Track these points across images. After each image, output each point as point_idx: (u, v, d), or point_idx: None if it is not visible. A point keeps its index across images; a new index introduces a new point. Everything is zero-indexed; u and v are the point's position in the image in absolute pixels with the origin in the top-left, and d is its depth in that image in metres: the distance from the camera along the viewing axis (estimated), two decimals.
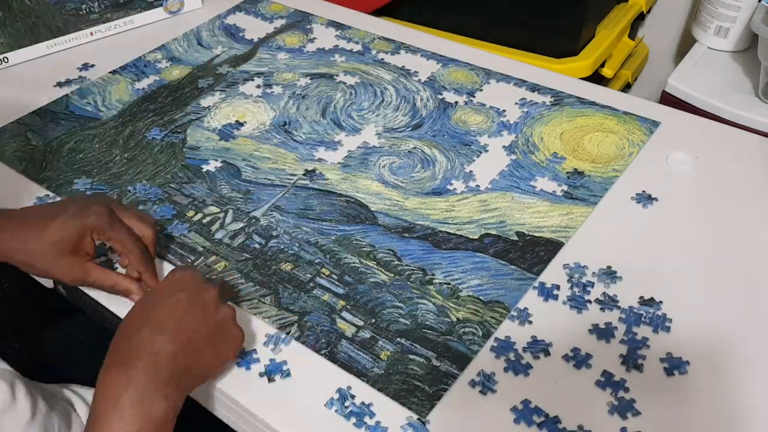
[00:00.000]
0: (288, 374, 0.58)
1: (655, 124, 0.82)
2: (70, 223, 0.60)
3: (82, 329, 0.84)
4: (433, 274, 0.66)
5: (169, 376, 0.51)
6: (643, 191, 0.73)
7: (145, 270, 0.63)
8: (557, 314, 0.62)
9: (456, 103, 0.88)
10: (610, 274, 0.65)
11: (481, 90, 0.90)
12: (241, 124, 0.86)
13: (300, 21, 1.08)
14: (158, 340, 0.51)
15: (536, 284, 0.64)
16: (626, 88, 1.49)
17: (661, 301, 0.62)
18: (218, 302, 0.56)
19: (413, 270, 0.67)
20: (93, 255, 0.62)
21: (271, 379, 0.57)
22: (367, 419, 0.54)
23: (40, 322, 0.85)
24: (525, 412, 0.54)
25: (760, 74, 1.11)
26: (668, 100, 1.19)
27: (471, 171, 0.78)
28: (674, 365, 0.57)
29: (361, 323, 0.62)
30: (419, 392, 0.56)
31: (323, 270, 0.67)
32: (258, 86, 0.93)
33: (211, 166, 0.80)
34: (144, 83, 0.95)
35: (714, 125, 0.84)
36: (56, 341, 0.84)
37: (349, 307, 0.63)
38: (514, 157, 0.79)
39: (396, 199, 0.75)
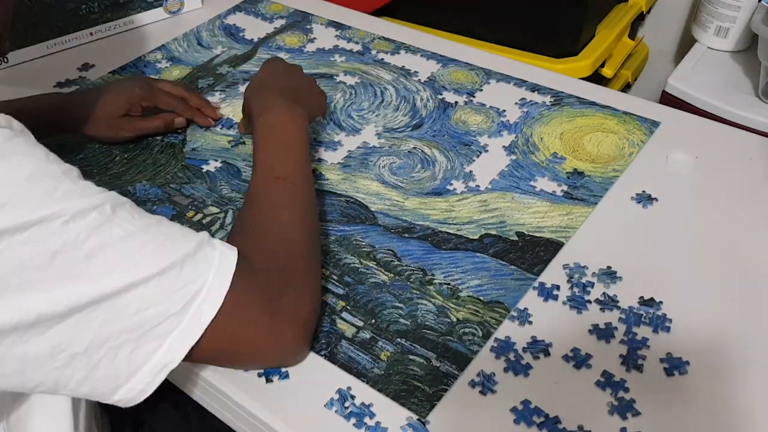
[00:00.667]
0: (286, 376, 0.58)
1: (655, 124, 0.82)
2: (122, 94, 0.81)
3: None
4: (433, 275, 0.66)
5: (294, 98, 0.71)
6: (643, 191, 0.73)
7: (200, 104, 0.86)
8: (557, 314, 0.62)
9: (456, 103, 0.88)
10: (610, 274, 0.65)
11: (481, 90, 0.90)
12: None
13: (300, 21, 1.08)
14: (277, 85, 0.73)
15: (536, 284, 0.64)
16: (626, 88, 1.49)
17: (661, 301, 0.62)
18: (302, 73, 0.79)
19: (413, 270, 0.67)
20: (140, 114, 0.83)
21: (269, 380, 0.57)
22: (367, 420, 0.54)
23: None
24: (525, 412, 0.54)
25: (760, 74, 1.11)
26: (668, 100, 1.19)
27: (471, 171, 0.78)
28: (674, 365, 0.57)
29: (361, 324, 0.62)
30: (419, 393, 0.56)
31: (323, 270, 0.67)
32: None
33: (211, 166, 0.80)
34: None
35: (714, 125, 0.84)
36: None
37: (348, 307, 0.63)
38: (514, 157, 0.79)
39: (396, 200, 0.75)
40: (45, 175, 0.46)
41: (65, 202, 0.45)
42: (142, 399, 0.50)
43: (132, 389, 0.49)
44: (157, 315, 0.48)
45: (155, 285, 0.48)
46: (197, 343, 0.50)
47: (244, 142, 0.83)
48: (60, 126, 0.81)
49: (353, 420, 0.54)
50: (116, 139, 0.82)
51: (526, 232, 0.70)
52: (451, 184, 0.76)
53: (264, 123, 0.68)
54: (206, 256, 0.51)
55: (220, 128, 0.86)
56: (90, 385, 0.48)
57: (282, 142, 0.67)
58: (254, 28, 1.07)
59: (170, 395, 0.73)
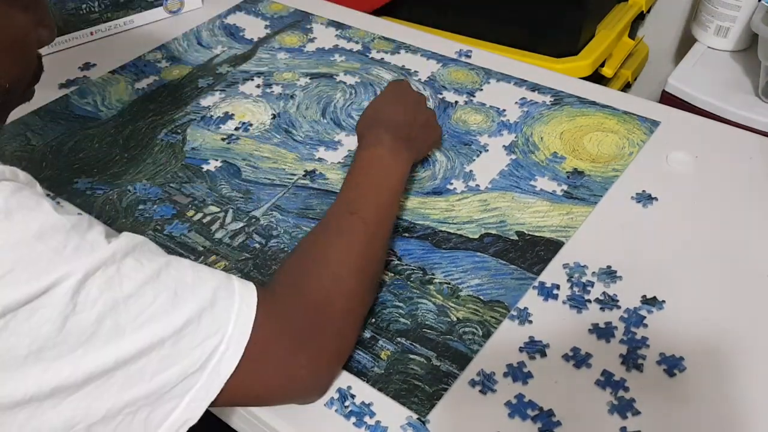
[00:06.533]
0: None
1: (655, 123, 0.82)
2: None
3: None
4: (433, 274, 0.66)
5: (406, 136, 0.68)
6: (643, 191, 0.73)
7: None
8: (557, 314, 0.62)
9: (456, 102, 0.88)
10: (610, 274, 0.65)
11: (481, 90, 0.90)
12: (241, 124, 0.86)
13: (300, 21, 1.08)
14: (392, 118, 0.69)
15: (536, 284, 0.64)
16: (626, 87, 1.49)
17: (662, 301, 0.62)
18: (426, 104, 0.77)
19: (413, 270, 0.67)
20: None
21: None
22: (367, 419, 0.54)
23: None
24: (524, 411, 0.54)
25: (760, 74, 1.11)
26: (668, 99, 1.19)
27: (471, 171, 0.78)
28: (674, 365, 0.57)
29: None
30: (419, 392, 0.56)
31: None
32: (258, 86, 0.93)
33: (211, 165, 0.80)
34: (144, 83, 0.95)
35: (714, 125, 0.84)
36: None
37: None
38: (514, 156, 0.79)
39: None
40: (53, 230, 0.43)
41: (74, 261, 0.43)
42: None
43: None
44: (174, 376, 0.45)
45: (172, 345, 0.45)
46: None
47: (238, 138, 0.83)
48: None
49: (353, 419, 0.54)
50: None
51: (526, 232, 0.70)
52: (452, 184, 0.76)
53: (364, 157, 0.65)
54: (224, 306, 0.48)
55: (217, 126, 0.86)
56: None
57: (374, 183, 0.63)
58: (254, 27, 1.07)
59: None
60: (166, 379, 0.45)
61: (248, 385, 0.49)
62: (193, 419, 0.47)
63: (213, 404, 0.48)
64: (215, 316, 0.47)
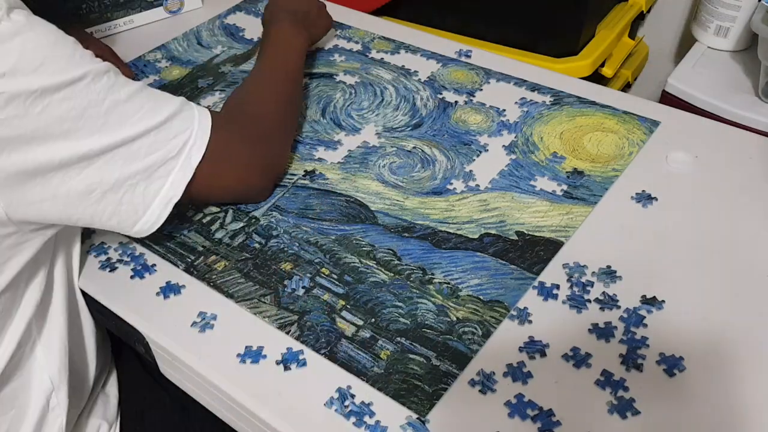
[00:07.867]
0: (304, 364, 0.59)
1: (655, 123, 0.82)
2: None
3: None
4: (432, 274, 0.66)
5: (302, 23, 0.89)
6: (643, 191, 0.73)
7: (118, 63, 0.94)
8: (557, 314, 0.62)
9: (456, 102, 0.88)
10: (609, 274, 0.65)
11: (481, 89, 0.90)
12: None
13: None
14: (290, 8, 0.90)
15: (536, 284, 0.64)
16: (626, 87, 1.49)
17: (662, 301, 0.62)
18: None
19: (413, 269, 0.67)
20: None
21: (287, 368, 0.59)
22: (366, 419, 0.54)
23: None
24: (524, 411, 0.54)
25: (760, 74, 1.11)
26: (668, 99, 1.19)
27: (471, 170, 0.78)
28: (674, 365, 0.57)
29: (360, 323, 0.62)
30: (419, 392, 0.56)
31: (323, 269, 0.67)
32: None
33: None
34: (144, 83, 0.95)
35: (714, 125, 0.84)
36: None
37: (348, 306, 0.63)
38: (513, 156, 0.79)
39: (396, 199, 0.75)
40: (65, 41, 0.55)
41: (85, 65, 0.55)
42: (155, 230, 0.63)
43: (147, 221, 0.62)
44: (159, 158, 0.60)
45: (155, 135, 0.60)
46: (191, 180, 0.62)
47: None
48: None
49: (353, 419, 0.54)
50: None
51: (525, 232, 0.70)
52: (451, 184, 0.76)
53: (273, 32, 0.86)
54: (189, 113, 0.64)
55: None
56: (117, 218, 0.60)
57: (282, 49, 0.84)
58: (254, 27, 1.07)
59: (171, 392, 0.74)
60: (154, 159, 0.60)
61: (213, 175, 0.65)
62: (177, 196, 0.62)
63: (191, 192, 0.63)
64: (183, 118, 0.63)
